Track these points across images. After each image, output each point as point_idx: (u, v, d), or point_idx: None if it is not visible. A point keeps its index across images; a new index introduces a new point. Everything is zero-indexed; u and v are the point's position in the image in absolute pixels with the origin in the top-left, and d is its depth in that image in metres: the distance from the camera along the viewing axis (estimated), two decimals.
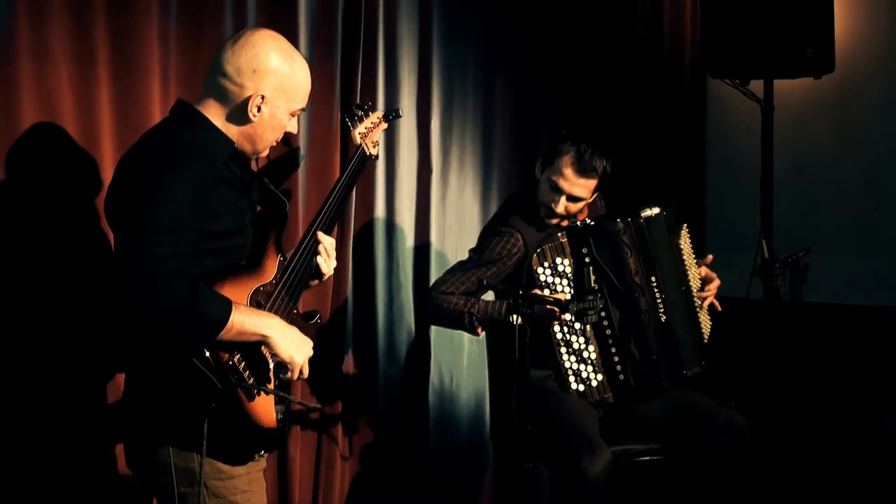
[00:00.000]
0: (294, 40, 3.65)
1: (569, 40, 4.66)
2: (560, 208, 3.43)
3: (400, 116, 3.30)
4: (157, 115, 3.26)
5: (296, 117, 2.67)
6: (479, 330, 3.40)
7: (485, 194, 4.40)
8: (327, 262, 2.82)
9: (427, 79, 4.20)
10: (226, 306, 2.38)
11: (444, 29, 4.25)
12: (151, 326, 2.32)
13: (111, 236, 3.10)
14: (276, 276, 2.62)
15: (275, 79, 2.53)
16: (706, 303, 3.63)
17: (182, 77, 3.37)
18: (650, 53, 4.95)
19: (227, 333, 2.37)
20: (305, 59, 3.66)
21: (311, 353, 2.62)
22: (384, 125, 3.17)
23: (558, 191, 3.41)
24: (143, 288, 2.26)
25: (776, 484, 4.01)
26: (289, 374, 2.59)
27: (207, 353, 2.36)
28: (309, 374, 2.66)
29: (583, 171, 3.37)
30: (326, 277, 2.88)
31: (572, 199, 3.43)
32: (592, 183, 3.41)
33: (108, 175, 3.13)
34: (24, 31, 3.02)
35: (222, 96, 2.53)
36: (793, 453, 4.18)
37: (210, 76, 2.55)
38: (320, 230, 2.79)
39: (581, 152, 3.37)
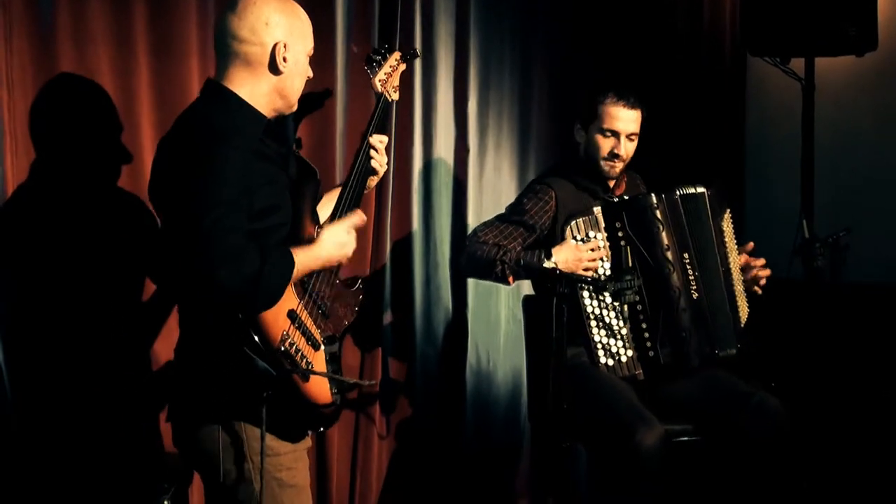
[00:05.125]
0: (331, 22, 3.67)
1: (607, 20, 4.63)
2: (623, 150, 3.53)
3: (417, 56, 3.23)
4: (195, 93, 3.26)
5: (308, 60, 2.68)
6: (511, 279, 3.42)
7: (522, 174, 4.39)
8: (379, 159, 2.89)
9: (464, 58, 4.19)
10: (291, 262, 2.45)
11: (482, 8, 4.24)
12: (229, 297, 2.32)
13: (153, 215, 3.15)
14: None
15: (286, 25, 2.56)
16: (761, 281, 3.62)
17: None
18: (690, 31, 4.90)
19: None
20: (342, 40, 3.73)
21: (351, 243, 2.66)
22: (403, 66, 3.08)
23: (615, 134, 3.52)
24: (220, 262, 2.28)
25: (812, 469, 3.98)
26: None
27: (257, 339, 2.37)
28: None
29: (629, 104, 3.52)
30: (381, 174, 2.94)
31: (629, 136, 3.53)
32: (639, 115, 3.55)
33: (147, 155, 3.16)
34: (65, 13, 3.06)
35: (246, 61, 2.54)
36: (833, 438, 4.14)
37: (223, 47, 2.55)
38: (352, 192, 2.78)
39: (618, 91, 3.53)
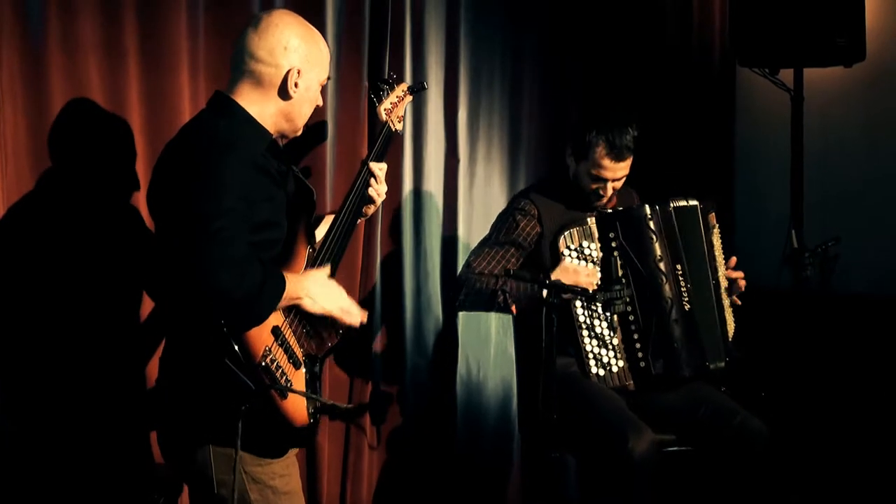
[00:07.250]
0: (321, 31, 3.65)
1: (597, 31, 4.64)
2: (609, 192, 3.52)
3: (425, 89, 3.27)
4: (186, 105, 3.28)
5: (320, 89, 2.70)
6: (514, 308, 3.41)
7: (512, 184, 4.39)
8: (378, 188, 2.90)
9: (454, 68, 4.20)
10: (283, 282, 2.45)
11: (472, 17, 4.24)
12: (226, 304, 2.32)
13: (147, 226, 3.15)
14: (305, 268, 2.63)
15: (304, 52, 2.58)
16: (733, 296, 3.62)
17: (211, 68, 3.40)
18: (679, 42, 4.92)
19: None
20: (332, 50, 3.74)
21: (342, 296, 2.64)
22: (409, 98, 3.12)
23: (602, 180, 3.49)
24: (223, 269, 2.28)
25: (800, 481, 3.99)
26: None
27: (238, 351, 2.37)
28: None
29: (619, 157, 3.44)
30: (379, 203, 2.96)
31: (616, 180, 3.52)
32: (629, 160, 3.49)
33: (139, 166, 3.16)
34: (55, 23, 3.06)
35: (258, 80, 2.56)
36: (821, 449, 4.15)
37: (239, 63, 2.57)
38: (348, 216, 2.80)
39: (611, 140, 3.42)
